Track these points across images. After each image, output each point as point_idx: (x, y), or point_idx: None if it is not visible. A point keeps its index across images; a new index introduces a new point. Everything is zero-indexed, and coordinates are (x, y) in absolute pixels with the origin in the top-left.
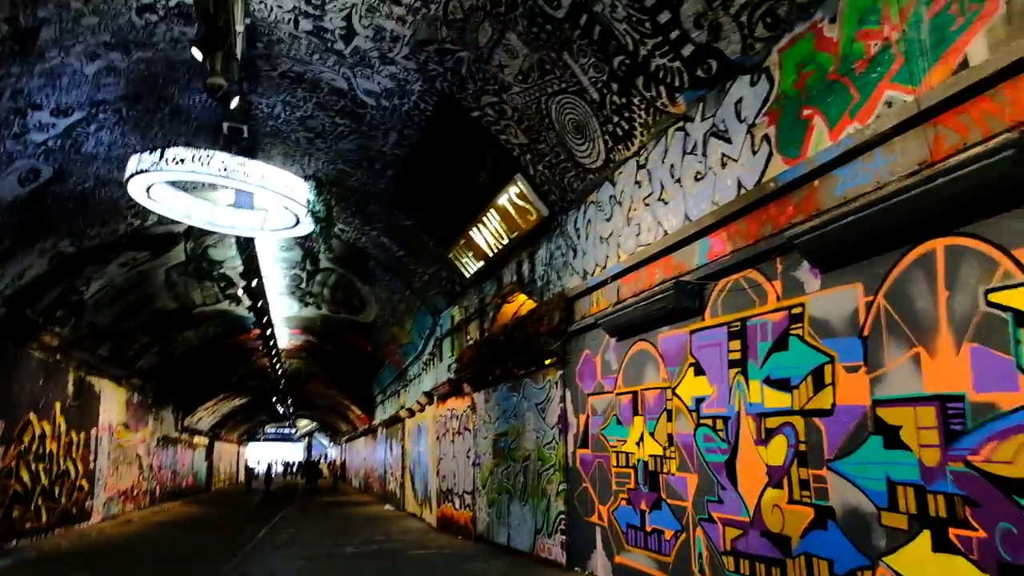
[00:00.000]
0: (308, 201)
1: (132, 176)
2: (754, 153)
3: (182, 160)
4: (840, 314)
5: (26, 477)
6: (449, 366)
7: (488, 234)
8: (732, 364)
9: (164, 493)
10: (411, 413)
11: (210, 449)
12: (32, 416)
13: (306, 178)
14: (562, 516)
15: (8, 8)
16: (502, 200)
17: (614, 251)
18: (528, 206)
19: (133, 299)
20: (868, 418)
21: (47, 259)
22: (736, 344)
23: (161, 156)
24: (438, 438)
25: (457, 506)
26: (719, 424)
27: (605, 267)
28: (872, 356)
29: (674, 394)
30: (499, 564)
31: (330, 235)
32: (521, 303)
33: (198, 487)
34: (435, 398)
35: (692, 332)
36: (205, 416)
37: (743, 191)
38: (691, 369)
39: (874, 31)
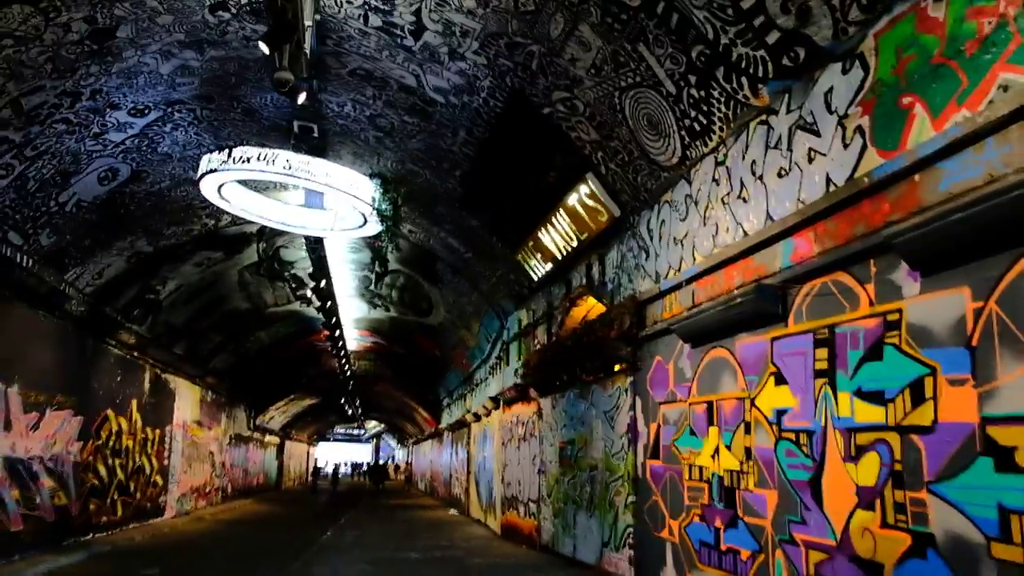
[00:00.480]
0: (373, 199)
1: (203, 176)
2: (845, 146)
3: (248, 159)
4: (943, 321)
5: (103, 471)
6: (516, 371)
7: (557, 235)
8: (818, 374)
9: (235, 490)
10: (477, 418)
11: (280, 448)
12: (110, 412)
13: (371, 176)
14: (630, 530)
15: (86, 6)
16: (572, 200)
17: (689, 253)
18: (599, 206)
19: (207, 299)
20: (976, 437)
21: (125, 258)
22: (823, 352)
23: (229, 155)
24: (504, 444)
25: (521, 514)
26: (803, 438)
27: (679, 270)
28: (981, 368)
29: (753, 405)
30: None
31: (396, 234)
32: (590, 307)
33: (268, 485)
34: (501, 403)
35: (773, 339)
36: (276, 416)
37: (832, 188)
38: (772, 379)
39: (988, 8)
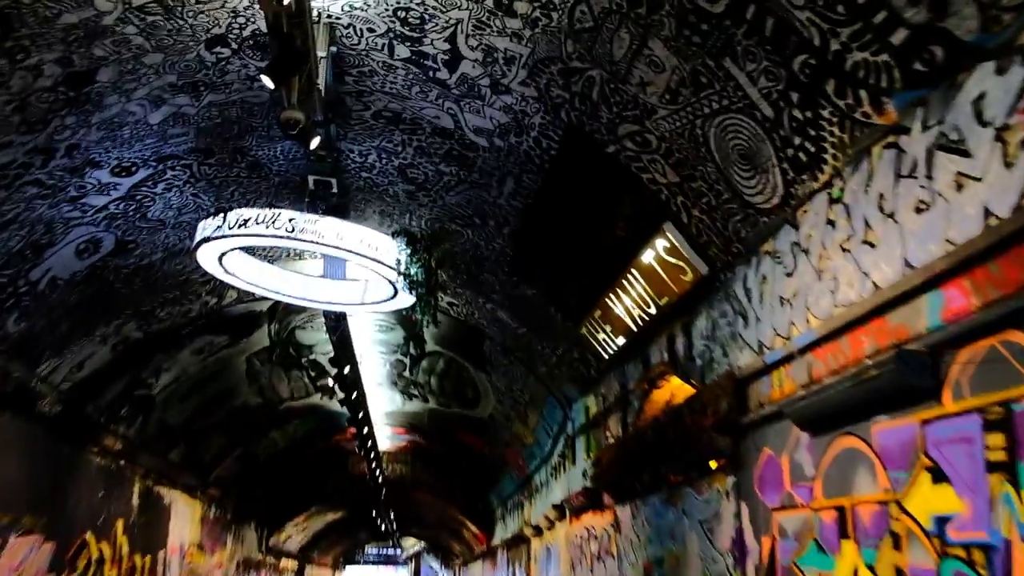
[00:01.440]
0: (398, 262)
1: (199, 245)
2: (1008, 167)
3: (245, 221)
4: None
5: None
6: (584, 471)
7: (630, 302)
8: (992, 467)
9: None
10: (538, 531)
11: (300, 574)
12: (89, 536)
13: (395, 235)
14: None
15: (60, 46)
16: (647, 257)
17: (801, 315)
18: (681, 263)
19: (210, 393)
20: None
21: (110, 346)
22: (998, 439)
23: (224, 219)
24: (573, 565)
25: None
26: (977, 555)
27: (789, 337)
28: None
29: (902, 510)
30: None
31: (433, 306)
32: (675, 389)
33: None
34: (568, 512)
35: (924, 422)
36: (294, 534)
37: (993, 221)
38: (927, 475)
39: None
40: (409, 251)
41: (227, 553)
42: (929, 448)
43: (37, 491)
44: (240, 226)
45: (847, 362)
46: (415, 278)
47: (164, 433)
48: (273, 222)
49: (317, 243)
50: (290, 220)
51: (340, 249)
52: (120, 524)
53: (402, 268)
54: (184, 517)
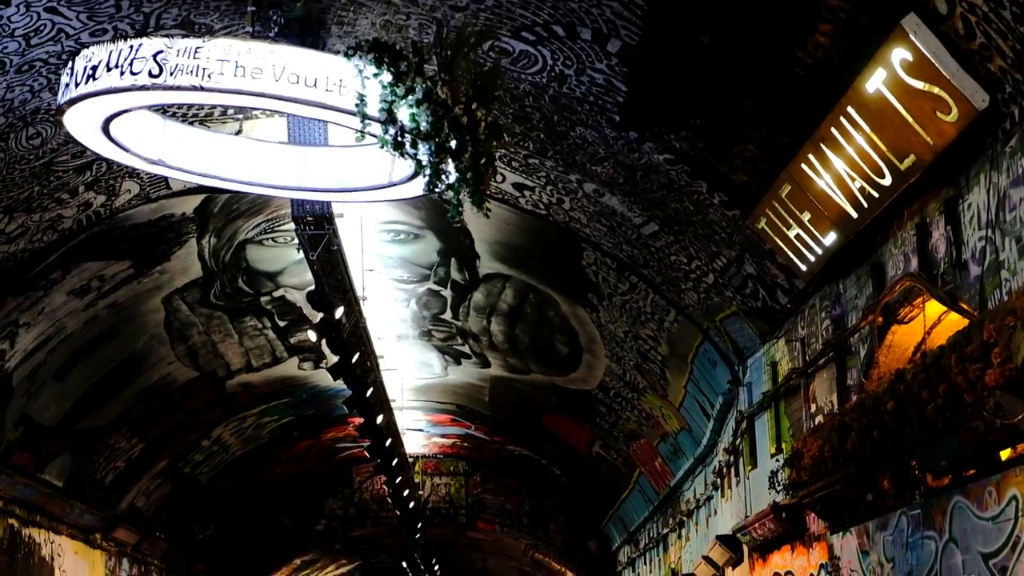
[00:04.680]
0: (360, 100)
1: (59, 111)
2: None
3: (95, 68)
4: None
5: None
6: (772, 474)
7: (844, 168)
8: None
9: None
10: None
11: None
12: None
13: (356, 49)
14: None
15: None
16: (873, 83)
17: None
18: (938, 90)
19: (105, 364)
20: None
21: None
22: None
23: (71, 69)
24: None
25: None
26: None
27: None
28: None
29: None
30: None
31: (468, 187)
32: (933, 321)
33: None
34: (745, 550)
35: None
36: None
37: None
38: None
39: None
40: (392, 74)
41: None
42: None
43: None
44: (89, 78)
45: None
46: (419, 126)
47: (32, 436)
48: (132, 63)
49: (231, 91)
50: (179, 53)
51: (278, 99)
52: None
53: (363, 106)
54: None
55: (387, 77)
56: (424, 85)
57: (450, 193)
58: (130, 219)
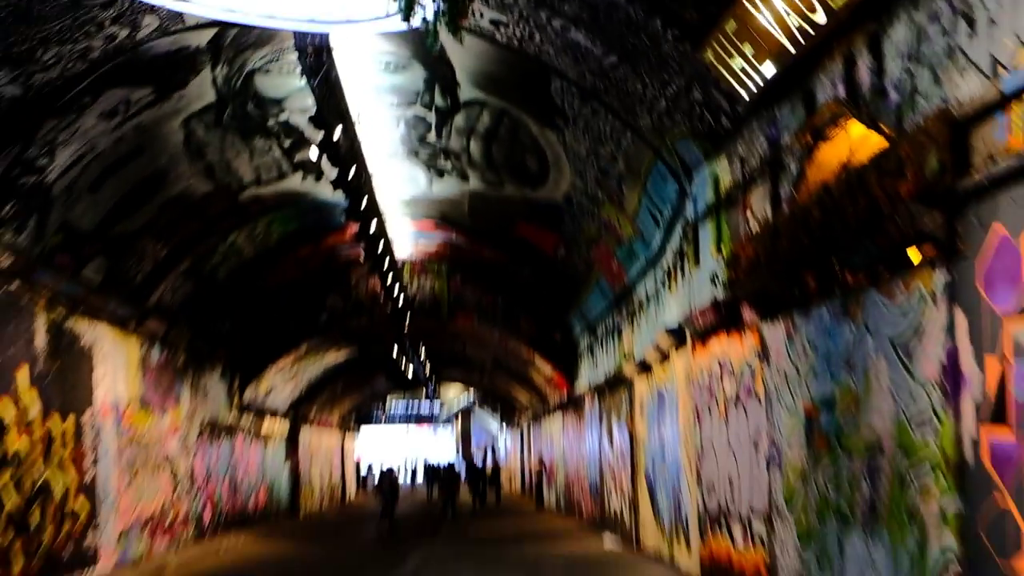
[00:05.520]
0: None
1: None
2: None
3: None
4: None
5: None
6: (714, 275)
7: (782, 4)
8: None
9: (220, 519)
10: (644, 368)
11: (292, 441)
12: None
13: None
14: (953, 559)
15: None
16: None
17: None
18: None
19: (133, 178)
20: None
21: None
22: None
23: None
24: (697, 415)
25: (739, 541)
26: None
27: None
28: None
29: None
30: None
31: (448, 16)
32: (855, 141)
33: (275, 507)
34: (689, 337)
35: None
36: (280, 384)
37: None
38: None
39: None
40: None
41: (182, 411)
42: None
43: None
44: None
45: None
46: None
47: (72, 240)
48: None
49: None
50: None
51: None
52: (23, 374)
53: None
54: (115, 362)
55: None
56: None
57: (425, 23)
58: (151, 50)
